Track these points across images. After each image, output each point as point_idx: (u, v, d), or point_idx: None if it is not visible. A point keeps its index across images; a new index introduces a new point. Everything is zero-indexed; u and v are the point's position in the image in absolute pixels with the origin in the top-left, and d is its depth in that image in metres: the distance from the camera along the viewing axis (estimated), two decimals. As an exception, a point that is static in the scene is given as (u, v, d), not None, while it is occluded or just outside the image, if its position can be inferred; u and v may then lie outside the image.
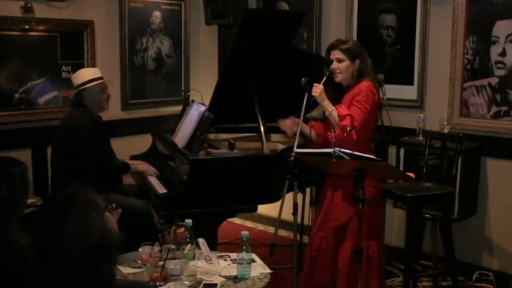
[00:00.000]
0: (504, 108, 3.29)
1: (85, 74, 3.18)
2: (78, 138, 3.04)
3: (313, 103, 2.81)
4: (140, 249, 2.25)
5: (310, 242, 2.87)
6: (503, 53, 3.26)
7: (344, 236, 2.69)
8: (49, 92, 3.69)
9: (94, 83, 3.15)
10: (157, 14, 4.26)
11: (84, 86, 3.13)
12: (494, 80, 3.31)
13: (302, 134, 2.79)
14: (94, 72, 3.20)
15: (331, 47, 2.77)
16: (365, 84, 2.69)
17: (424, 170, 3.22)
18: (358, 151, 2.36)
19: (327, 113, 2.69)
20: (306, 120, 2.80)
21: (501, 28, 3.26)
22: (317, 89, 2.65)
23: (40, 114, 3.64)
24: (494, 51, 3.29)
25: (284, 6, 4.25)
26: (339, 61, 2.72)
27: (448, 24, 3.45)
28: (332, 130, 2.71)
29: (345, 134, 2.65)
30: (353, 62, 2.72)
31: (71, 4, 3.73)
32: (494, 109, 3.33)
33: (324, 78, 2.71)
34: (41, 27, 3.59)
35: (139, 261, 2.25)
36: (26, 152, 3.56)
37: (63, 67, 3.74)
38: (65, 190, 1.41)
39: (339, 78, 2.73)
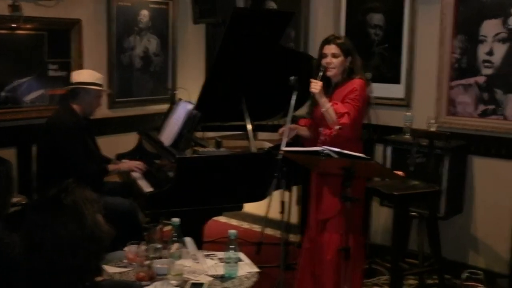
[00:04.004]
0: (491, 107, 3.31)
1: (89, 75, 3.20)
2: (56, 139, 3.03)
3: (301, 101, 2.81)
4: (126, 248, 2.24)
5: (305, 234, 2.92)
6: (490, 52, 3.28)
7: (331, 229, 2.72)
8: (36, 90, 3.66)
9: (96, 87, 3.17)
10: (144, 13, 4.24)
11: (85, 86, 3.13)
12: (481, 79, 3.33)
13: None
14: (98, 77, 3.22)
15: (326, 42, 2.76)
16: (358, 82, 2.70)
17: (411, 168, 3.23)
18: (348, 148, 2.36)
19: (323, 110, 2.65)
20: (293, 118, 2.80)
21: (488, 27, 3.27)
22: (317, 86, 2.64)
23: (26, 112, 3.60)
24: (482, 50, 3.31)
25: (272, 5, 4.24)
26: (334, 56, 2.72)
27: (436, 23, 3.46)
28: (337, 127, 2.68)
29: (335, 132, 2.66)
30: (346, 58, 2.73)
31: (58, 3, 3.70)
32: (481, 107, 3.35)
33: (321, 74, 2.69)
34: (28, 26, 3.55)
35: (125, 261, 2.23)
36: (11, 150, 3.52)
37: (50, 65, 3.70)
38: (59, 184, 1.42)
39: (332, 72, 2.73)
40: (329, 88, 2.77)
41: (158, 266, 2.11)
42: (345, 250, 2.45)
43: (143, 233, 2.64)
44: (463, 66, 3.39)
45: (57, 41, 3.72)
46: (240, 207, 2.97)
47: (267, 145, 3.25)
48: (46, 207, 1.38)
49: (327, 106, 2.64)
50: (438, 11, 3.44)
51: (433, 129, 3.38)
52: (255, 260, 2.34)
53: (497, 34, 3.25)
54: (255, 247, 2.49)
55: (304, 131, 2.84)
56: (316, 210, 2.81)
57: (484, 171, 3.37)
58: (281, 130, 2.82)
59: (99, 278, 1.87)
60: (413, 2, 3.54)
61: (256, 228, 4.22)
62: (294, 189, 3.52)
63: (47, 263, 1.34)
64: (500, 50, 3.24)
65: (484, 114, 3.33)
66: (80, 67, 3.79)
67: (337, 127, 2.63)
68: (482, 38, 3.30)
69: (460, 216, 3.44)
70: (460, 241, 3.46)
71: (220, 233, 3.46)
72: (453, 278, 3.23)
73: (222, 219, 4.34)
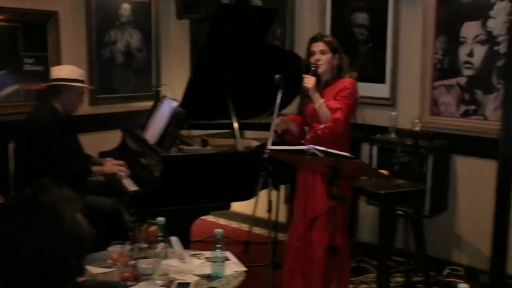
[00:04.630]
0: (472, 107, 3.36)
1: (72, 71, 3.09)
2: (37, 137, 2.93)
3: (287, 99, 2.79)
4: (109, 248, 2.19)
5: (290, 233, 2.89)
6: (470, 54, 3.33)
7: (320, 227, 2.70)
8: (10, 85, 3.54)
9: (80, 84, 3.07)
10: (125, 7, 4.15)
11: (69, 83, 3.03)
12: (462, 80, 3.38)
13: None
14: (80, 74, 3.12)
15: (314, 40, 2.78)
16: (349, 81, 2.72)
17: (396, 167, 3.26)
18: (336, 147, 2.36)
19: (317, 105, 2.65)
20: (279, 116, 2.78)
21: (468, 29, 3.32)
22: (310, 81, 2.64)
23: (1, 108, 3.48)
24: (462, 51, 3.35)
25: (258, 2, 4.22)
26: (323, 52, 2.73)
27: (418, 24, 3.49)
28: (322, 126, 2.67)
29: (320, 132, 2.65)
30: (334, 55, 2.74)
31: (34, -7, 3.59)
32: (462, 108, 3.40)
33: (314, 69, 2.69)
34: (1, 17, 3.43)
35: (109, 261, 2.19)
36: (-14, 148, 3.40)
37: (25, 59, 3.59)
38: (37, 183, 1.36)
39: (322, 69, 2.74)
40: (318, 86, 2.76)
41: (143, 266, 2.08)
42: (332, 248, 2.44)
43: (128, 232, 2.59)
44: (445, 67, 3.43)
45: (33, 34, 3.60)
46: (228, 206, 2.94)
47: (254, 143, 3.22)
48: (22, 207, 1.33)
49: (320, 102, 2.65)
50: (421, 12, 3.48)
51: (417, 128, 3.41)
52: (242, 259, 2.31)
53: (476, 36, 3.30)
54: (243, 246, 2.45)
55: (294, 126, 2.85)
56: (305, 208, 2.79)
57: (466, 170, 3.42)
58: (277, 120, 2.78)
59: (81, 279, 1.81)
60: (397, 2, 3.57)
61: (245, 227, 4.19)
62: (282, 188, 3.50)
63: (25, 265, 1.29)
64: (479, 52, 3.29)
65: (465, 114, 3.38)
66: (58, 61, 3.69)
67: (322, 125, 2.63)
68: (462, 39, 3.35)
69: (444, 214, 3.48)
70: (444, 239, 3.50)
71: (209, 233, 3.39)
72: (438, 275, 3.26)
73: (210, 218, 4.31)
